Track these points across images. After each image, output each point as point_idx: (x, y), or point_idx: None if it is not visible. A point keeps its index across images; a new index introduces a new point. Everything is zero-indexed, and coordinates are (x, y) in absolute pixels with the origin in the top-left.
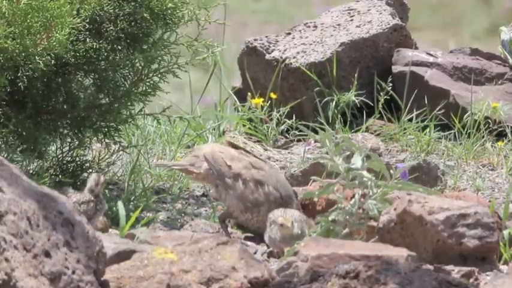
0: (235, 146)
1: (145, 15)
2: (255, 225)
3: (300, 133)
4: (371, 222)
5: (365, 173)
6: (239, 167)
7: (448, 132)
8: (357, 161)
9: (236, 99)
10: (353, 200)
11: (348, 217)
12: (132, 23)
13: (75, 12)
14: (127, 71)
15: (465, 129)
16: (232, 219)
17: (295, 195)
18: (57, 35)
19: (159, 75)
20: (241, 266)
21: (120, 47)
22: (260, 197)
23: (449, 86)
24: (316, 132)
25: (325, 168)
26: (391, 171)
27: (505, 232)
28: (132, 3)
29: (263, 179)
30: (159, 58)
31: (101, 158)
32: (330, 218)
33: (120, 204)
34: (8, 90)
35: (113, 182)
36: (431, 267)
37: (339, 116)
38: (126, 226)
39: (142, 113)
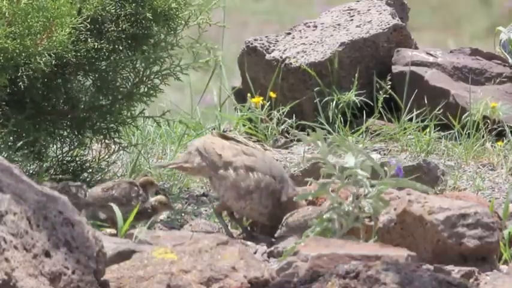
0: (226, 137)
1: (148, 15)
2: (249, 214)
3: (301, 132)
4: (367, 222)
5: (359, 171)
6: (229, 155)
7: (448, 132)
8: (350, 160)
9: (236, 99)
10: (349, 199)
11: (344, 216)
12: (134, 24)
13: (76, 12)
14: (127, 72)
15: (465, 129)
16: (228, 212)
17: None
18: (57, 34)
19: (160, 78)
20: (241, 266)
21: (121, 48)
22: (251, 184)
23: (449, 86)
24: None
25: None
26: (385, 168)
27: (505, 232)
28: (134, 4)
29: (253, 164)
30: (161, 60)
31: (100, 158)
32: (324, 217)
33: (115, 206)
34: (8, 90)
35: None
36: (431, 267)
37: (339, 115)
38: (124, 226)
39: (142, 115)
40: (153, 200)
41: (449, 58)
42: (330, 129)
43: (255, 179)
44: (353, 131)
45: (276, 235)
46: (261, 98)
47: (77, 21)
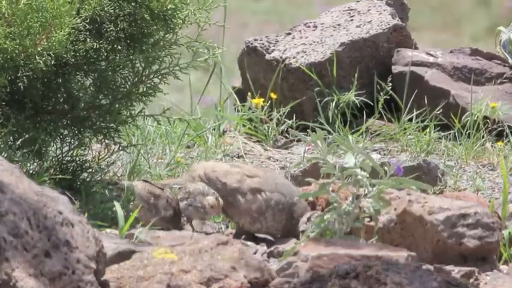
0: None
1: (145, 16)
2: (266, 231)
3: (300, 133)
4: (368, 222)
5: (359, 171)
6: (233, 182)
7: (448, 132)
8: (350, 160)
9: (236, 99)
10: (349, 199)
11: (344, 216)
12: (132, 24)
13: (75, 12)
14: (127, 72)
15: (465, 129)
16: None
17: None
18: (56, 35)
19: (160, 77)
20: (241, 266)
21: (120, 47)
22: (262, 205)
23: (449, 86)
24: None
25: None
26: (385, 168)
27: (505, 232)
28: (132, 4)
29: (259, 186)
30: (160, 59)
31: (100, 158)
32: (325, 217)
33: (117, 204)
34: (8, 90)
35: (113, 182)
36: (431, 267)
37: (339, 116)
38: (125, 226)
39: (142, 114)
40: (206, 201)
41: (449, 58)
42: (330, 129)
43: (264, 198)
44: (353, 131)
45: (301, 229)
46: (262, 99)
47: (76, 21)
